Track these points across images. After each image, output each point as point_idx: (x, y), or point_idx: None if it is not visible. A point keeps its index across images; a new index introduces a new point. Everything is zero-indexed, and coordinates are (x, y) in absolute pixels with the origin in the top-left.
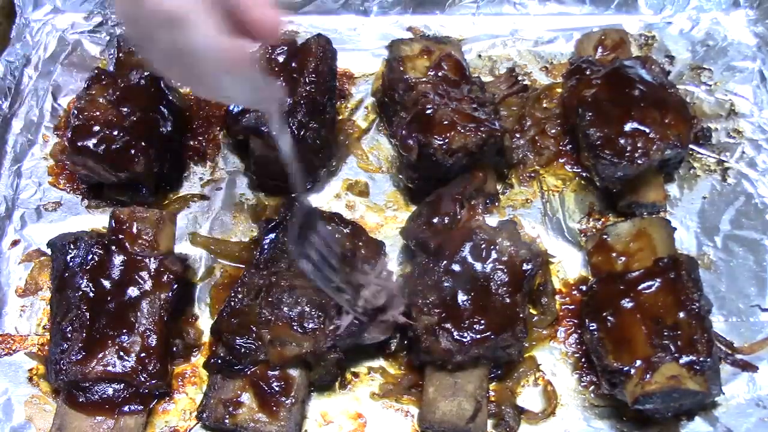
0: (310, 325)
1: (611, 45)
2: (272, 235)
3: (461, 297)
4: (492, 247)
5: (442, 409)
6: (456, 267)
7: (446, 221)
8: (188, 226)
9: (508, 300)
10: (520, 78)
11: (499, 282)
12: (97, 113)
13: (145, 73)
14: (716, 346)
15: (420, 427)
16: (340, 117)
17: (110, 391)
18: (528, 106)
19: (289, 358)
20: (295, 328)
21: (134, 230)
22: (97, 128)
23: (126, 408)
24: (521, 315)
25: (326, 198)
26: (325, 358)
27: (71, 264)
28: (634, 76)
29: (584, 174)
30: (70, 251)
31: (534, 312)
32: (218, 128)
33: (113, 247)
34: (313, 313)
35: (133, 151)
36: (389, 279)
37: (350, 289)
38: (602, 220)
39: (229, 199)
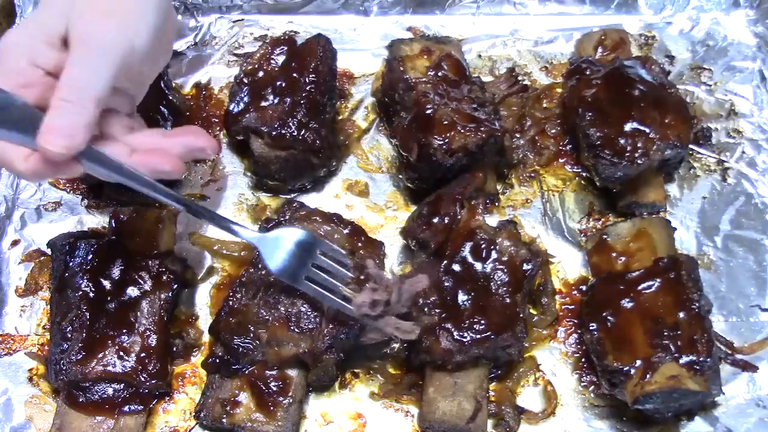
0: (307, 326)
1: (611, 45)
2: None
3: (461, 297)
4: (492, 247)
5: (442, 408)
6: (456, 267)
7: (446, 221)
8: (188, 226)
9: (508, 300)
10: (520, 78)
11: (499, 282)
12: None
13: None
14: (716, 346)
15: (420, 427)
16: (340, 117)
17: (110, 391)
18: (528, 106)
19: (286, 358)
20: (291, 328)
21: (134, 230)
22: None
23: (126, 408)
24: (521, 315)
25: (326, 198)
26: (321, 359)
27: (71, 264)
28: (634, 76)
29: (584, 174)
30: (70, 251)
31: (534, 312)
32: (218, 128)
33: (113, 247)
34: (309, 313)
35: None
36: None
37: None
38: (602, 220)
39: (229, 199)
